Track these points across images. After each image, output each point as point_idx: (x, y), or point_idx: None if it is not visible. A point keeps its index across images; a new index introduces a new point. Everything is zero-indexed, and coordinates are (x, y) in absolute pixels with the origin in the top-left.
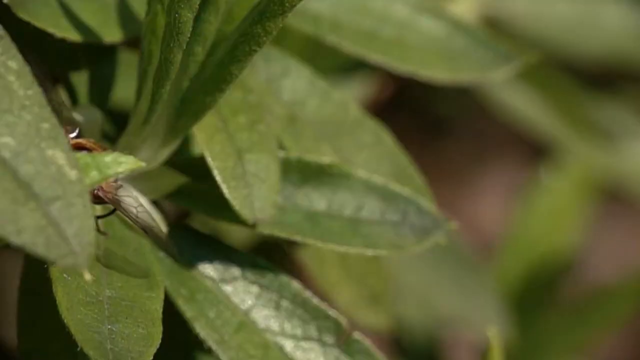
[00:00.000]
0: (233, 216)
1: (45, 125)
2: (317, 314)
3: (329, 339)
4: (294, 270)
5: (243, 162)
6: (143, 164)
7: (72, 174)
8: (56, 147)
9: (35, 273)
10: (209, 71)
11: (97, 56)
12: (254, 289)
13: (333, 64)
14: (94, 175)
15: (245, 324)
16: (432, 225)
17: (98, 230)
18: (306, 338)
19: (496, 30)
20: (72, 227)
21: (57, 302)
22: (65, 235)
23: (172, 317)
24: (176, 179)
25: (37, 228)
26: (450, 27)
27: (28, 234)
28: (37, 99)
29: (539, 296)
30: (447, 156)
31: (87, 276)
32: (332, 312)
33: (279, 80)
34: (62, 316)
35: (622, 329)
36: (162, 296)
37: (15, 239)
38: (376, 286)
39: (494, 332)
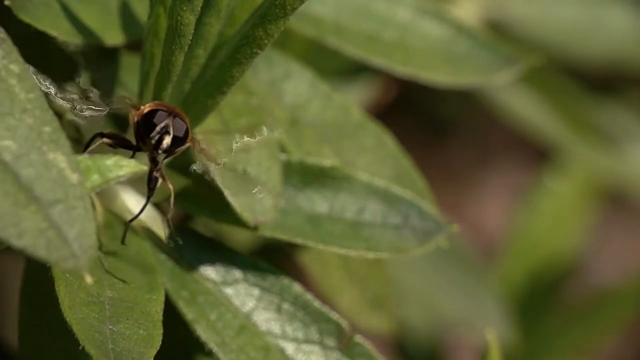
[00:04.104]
0: (235, 219)
1: (47, 129)
2: (318, 316)
3: (331, 342)
4: (296, 273)
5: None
6: (144, 167)
7: (73, 177)
8: (57, 150)
9: (37, 274)
10: (211, 73)
11: (98, 59)
12: (256, 291)
13: (335, 67)
14: (95, 178)
15: (246, 327)
16: (433, 228)
17: (99, 232)
18: (307, 341)
19: (498, 33)
20: (73, 230)
21: (60, 301)
22: (66, 238)
23: (173, 319)
24: (178, 182)
25: (38, 231)
26: (452, 30)
27: (29, 236)
28: (39, 103)
29: (542, 299)
30: (450, 159)
31: (89, 279)
32: (333, 315)
33: (281, 83)
34: (65, 315)
35: (625, 332)
36: (162, 299)
37: (16, 242)
38: (378, 289)
39: (493, 334)
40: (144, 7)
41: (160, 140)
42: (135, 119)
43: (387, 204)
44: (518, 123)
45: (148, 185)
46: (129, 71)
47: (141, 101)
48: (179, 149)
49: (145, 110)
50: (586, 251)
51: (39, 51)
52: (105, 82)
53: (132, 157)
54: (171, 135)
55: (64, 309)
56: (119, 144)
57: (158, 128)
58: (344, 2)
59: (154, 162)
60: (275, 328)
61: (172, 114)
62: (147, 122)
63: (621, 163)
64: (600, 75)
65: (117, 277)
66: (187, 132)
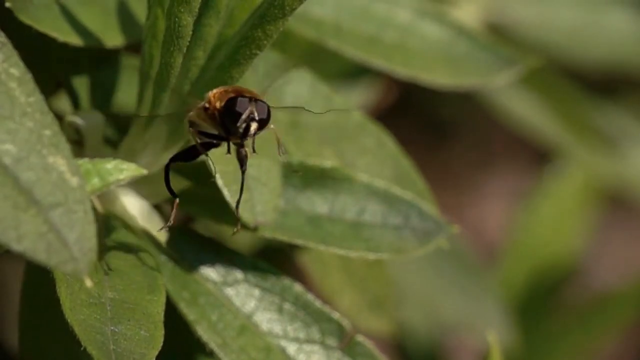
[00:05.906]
0: (235, 220)
1: (47, 132)
2: (319, 316)
3: (332, 341)
4: (296, 274)
5: None
6: (144, 171)
7: (74, 180)
8: (57, 153)
9: (37, 275)
10: (210, 75)
11: (99, 60)
12: (256, 292)
13: (336, 69)
14: (95, 182)
15: (247, 327)
16: (434, 229)
17: (100, 234)
18: (309, 341)
19: (499, 35)
20: (73, 233)
21: (61, 302)
22: (66, 241)
23: (174, 320)
24: (178, 183)
25: (38, 234)
26: (452, 32)
27: (29, 240)
28: (39, 106)
29: (542, 301)
30: (450, 160)
31: (88, 282)
32: (334, 315)
33: (281, 84)
34: (66, 316)
35: (624, 334)
36: (163, 300)
37: (16, 246)
38: (379, 290)
39: (494, 336)
40: (144, 8)
41: (248, 127)
42: (216, 112)
43: (388, 205)
44: (518, 125)
45: (241, 170)
46: (129, 73)
47: (201, 94)
48: (263, 130)
49: (217, 101)
50: (586, 253)
51: (40, 53)
52: (105, 84)
53: (228, 152)
54: (257, 120)
55: (65, 310)
56: (210, 141)
57: (244, 116)
58: (344, 3)
59: (242, 146)
60: (277, 328)
61: (251, 98)
62: (230, 112)
63: (621, 165)
64: (600, 77)
65: (118, 279)
66: (269, 112)
